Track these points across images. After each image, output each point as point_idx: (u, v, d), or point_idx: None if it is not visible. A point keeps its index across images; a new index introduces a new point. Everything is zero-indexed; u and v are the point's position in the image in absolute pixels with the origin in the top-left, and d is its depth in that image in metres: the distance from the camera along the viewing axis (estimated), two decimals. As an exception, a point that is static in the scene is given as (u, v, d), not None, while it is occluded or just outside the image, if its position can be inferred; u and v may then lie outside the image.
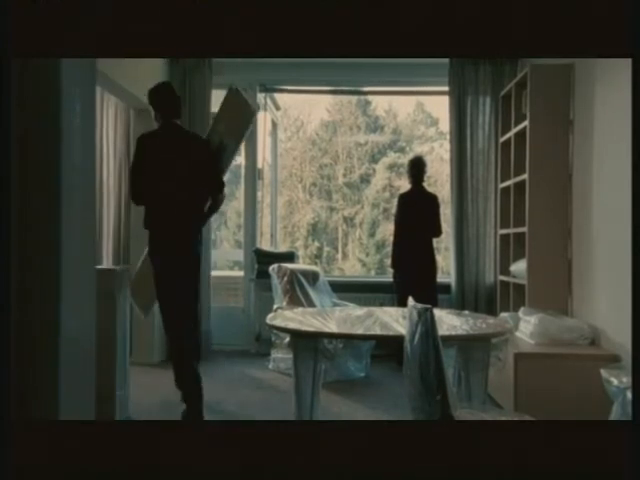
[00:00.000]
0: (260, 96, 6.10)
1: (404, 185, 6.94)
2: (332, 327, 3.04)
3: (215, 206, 3.76)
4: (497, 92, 5.48)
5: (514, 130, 4.85)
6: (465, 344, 3.04)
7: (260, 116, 6.14)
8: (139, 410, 3.82)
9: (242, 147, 6.53)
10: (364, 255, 10.40)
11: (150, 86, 3.76)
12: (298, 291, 5.08)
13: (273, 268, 5.25)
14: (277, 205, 6.88)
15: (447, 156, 6.12)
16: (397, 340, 2.73)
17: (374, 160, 10.54)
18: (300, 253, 8.23)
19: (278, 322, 3.19)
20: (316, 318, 3.24)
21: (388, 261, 5.78)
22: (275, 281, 5.20)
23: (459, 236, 5.63)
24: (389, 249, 6.09)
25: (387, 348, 4.90)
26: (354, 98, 10.17)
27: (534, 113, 4.42)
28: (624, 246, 3.27)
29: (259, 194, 6.25)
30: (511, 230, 4.91)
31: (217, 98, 5.76)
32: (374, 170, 10.47)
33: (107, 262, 5.49)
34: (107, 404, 3.31)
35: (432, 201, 5.33)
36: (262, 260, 5.69)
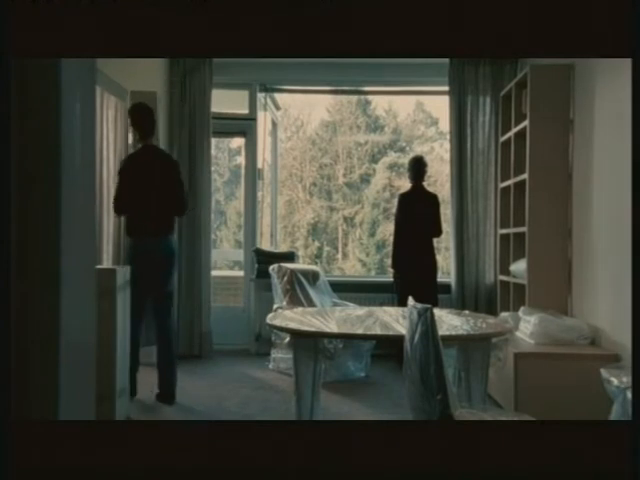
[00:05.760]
0: (260, 96, 6.10)
1: (404, 185, 6.94)
2: (332, 327, 3.04)
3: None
4: (497, 92, 5.48)
5: (514, 130, 4.85)
6: (465, 344, 3.04)
7: (260, 116, 6.15)
8: (139, 410, 3.82)
9: (242, 147, 6.55)
10: (364, 255, 10.40)
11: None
12: (298, 291, 5.07)
13: (273, 268, 5.25)
14: (277, 205, 6.88)
15: (447, 156, 6.12)
16: (397, 340, 2.73)
17: (374, 160, 10.54)
18: (300, 253, 8.23)
19: (278, 322, 3.19)
20: (316, 318, 3.24)
21: (388, 261, 5.78)
22: (275, 281, 5.20)
23: (459, 236, 5.63)
24: (389, 249, 6.09)
25: (387, 348, 4.89)
26: (354, 98, 10.17)
27: (534, 113, 4.42)
28: (624, 246, 3.27)
29: (259, 194, 6.25)
30: (511, 230, 4.91)
31: (217, 98, 5.78)
32: (374, 170, 10.48)
33: (107, 262, 5.49)
34: (107, 404, 3.31)
35: (432, 201, 5.32)
36: (262, 260, 5.69)
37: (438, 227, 5.31)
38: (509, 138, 5.02)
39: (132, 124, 4.12)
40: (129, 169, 4.00)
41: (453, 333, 2.95)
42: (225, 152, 9.10)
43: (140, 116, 4.07)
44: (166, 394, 3.99)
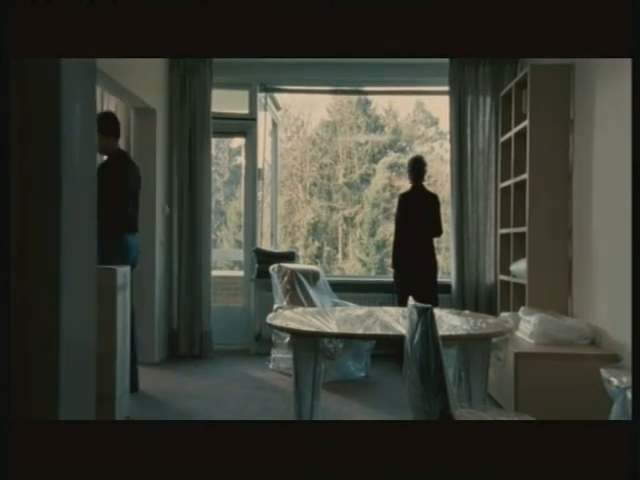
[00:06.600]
0: (260, 96, 6.10)
1: (404, 185, 6.95)
2: (332, 327, 3.04)
3: None
4: (497, 92, 5.48)
5: (514, 130, 4.85)
6: (465, 344, 3.04)
7: (260, 116, 6.15)
8: (139, 410, 3.82)
9: (242, 147, 6.55)
10: (364, 255, 10.41)
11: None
12: (298, 291, 5.08)
13: (273, 268, 5.25)
14: (277, 205, 6.88)
15: (447, 156, 6.12)
16: (397, 340, 2.73)
17: (374, 160, 10.55)
18: (300, 253, 8.24)
19: (278, 322, 3.19)
20: (316, 318, 3.24)
21: (388, 261, 5.78)
22: (275, 281, 5.20)
23: (459, 236, 5.63)
24: (389, 249, 6.10)
25: (387, 348, 4.90)
26: (354, 98, 10.18)
27: (534, 113, 4.42)
28: (624, 246, 3.27)
29: (259, 194, 6.26)
30: (511, 230, 4.91)
31: (217, 98, 5.78)
32: (374, 170, 10.48)
33: (107, 262, 5.48)
34: (107, 404, 3.31)
35: (432, 200, 5.33)
36: (262, 260, 5.69)
37: (438, 227, 5.32)
38: (509, 138, 5.02)
39: (105, 133, 4.26)
40: (110, 173, 4.15)
41: (453, 333, 2.95)
42: (225, 152, 9.12)
43: (109, 122, 4.33)
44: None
